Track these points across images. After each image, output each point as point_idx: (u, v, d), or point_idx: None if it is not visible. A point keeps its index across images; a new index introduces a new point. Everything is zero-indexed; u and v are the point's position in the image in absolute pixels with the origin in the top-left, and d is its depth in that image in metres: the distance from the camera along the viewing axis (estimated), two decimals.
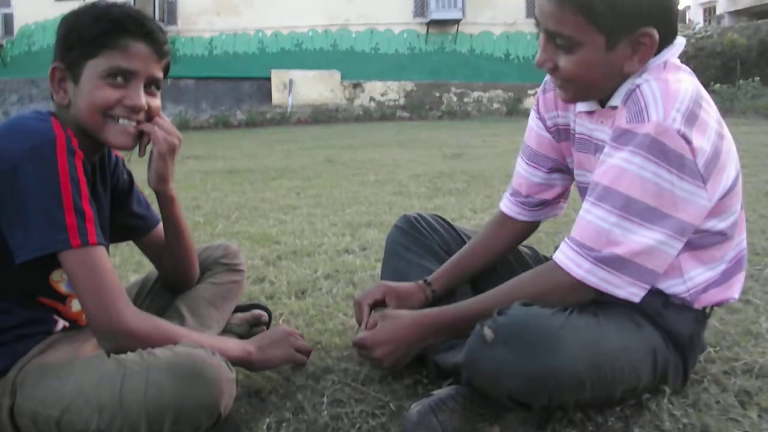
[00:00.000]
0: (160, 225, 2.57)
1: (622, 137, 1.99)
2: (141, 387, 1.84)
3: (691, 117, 1.94)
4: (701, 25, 37.09)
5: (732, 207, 2.15)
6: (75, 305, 2.20)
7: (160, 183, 2.33)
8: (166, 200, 2.40)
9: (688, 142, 1.92)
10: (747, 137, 13.11)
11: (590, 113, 2.30)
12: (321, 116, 25.19)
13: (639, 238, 1.96)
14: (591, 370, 1.93)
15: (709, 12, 44.64)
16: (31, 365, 2.01)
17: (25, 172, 1.88)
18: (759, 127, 15.91)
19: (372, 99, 27.47)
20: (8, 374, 1.99)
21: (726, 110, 22.82)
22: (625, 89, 2.10)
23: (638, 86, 2.02)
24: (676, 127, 1.91)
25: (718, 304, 2.29)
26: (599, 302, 2.08)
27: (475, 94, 27.57)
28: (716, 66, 29.15)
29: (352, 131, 19.92)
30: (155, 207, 2.53)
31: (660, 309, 2.16)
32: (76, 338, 2.17)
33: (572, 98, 2.23)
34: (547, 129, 2.55)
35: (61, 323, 2.19)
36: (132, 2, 25.08)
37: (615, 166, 1.99)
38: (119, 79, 2.09)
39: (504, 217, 2.74)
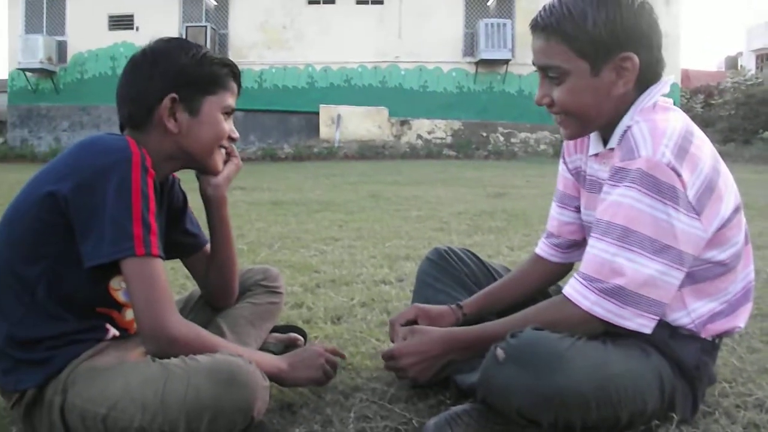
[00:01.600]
0: (208, 246, 2.74)
1: (617, 175, 2.13)
2: (182, 388, 1.98)
3: (681, 151, 2.07)
4: (753, 71, 36.88)
5: (733, 239, 2.25)
6: (129, 314, 2.34)
7: (226, 181, 2.58)
8: (220, 200, 2.61)
9: (678, 174, 2.04)
10: None
11: (597, 155, 2.45)
12: (368, 152, 25.17)
13: (640, 267, 2.06)
14: (596, 391, 2.02)
15: (761, 59, 44.25)
16: (81, 367, 2.15)
17: (102, 184, 2.05)
18: None
19: (419, 137, 27.45)
20: (60, 375, 2.13)
21: None
22: (620, 131, 2.25)
23: (629, 128, 2.17)
24: (665, 161, 2.04)
25: (725, 334, 2.38)
26: (609, 333, 2.17)
27: (523, 134, 27.50)
28: (766, 113, 28.88)
29: (398, 168, 19.91)
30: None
31: (667, 339, 2.26)
32: (125, 345, 2.31)
33: (572, 132, 2.39)
34: (570, 171, 2.69)
35: (112, 332, 2.33)
36: (184, 34, 25.52)
37: (613, 202, 2.12)
38: (227, 114, 2.41)
39: (538, 258, 2.85)
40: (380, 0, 27.89)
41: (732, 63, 44.67)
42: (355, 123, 26.66)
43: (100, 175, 2.06)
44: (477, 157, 25.43)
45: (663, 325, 2.25)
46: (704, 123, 28.02)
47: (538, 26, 2.27)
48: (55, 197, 2.09)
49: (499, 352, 2.05)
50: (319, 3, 28.17)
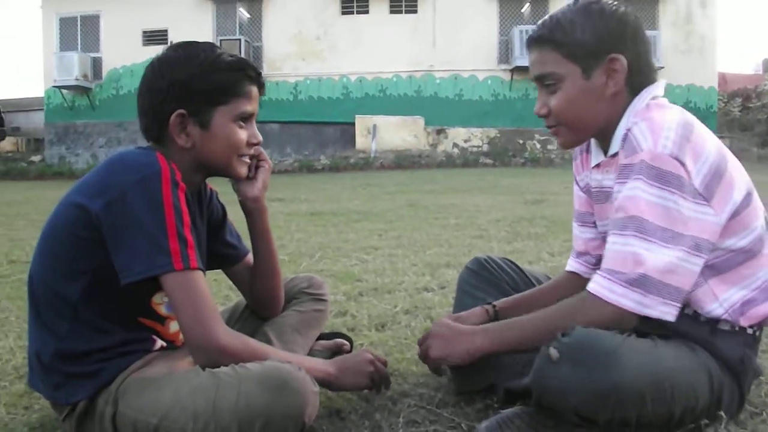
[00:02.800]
0: (249, 256, 2.76)
1: (623, 172, 2.19)
2: (233, 396, 2.00)
3: (682, 141, 2.12)
4: None
5: (751, 224, 2.27)
6: (173, 326, 2.39)
7: (263, 191, 2.57)
8: (261, 210, 2.61)
9: (682, 163, 2.10)
10: None
11: (598, 166, 2.54)
12: (404, 162, 25.11)
13: (661, 256, 2.09)
14: (651, 386, 2.03)
15: None
16: (131, 378, 2.18)
17: (133, 200, 2.06)
18: None
19: (455, 145, 27.41)
20: (111, 386, 2.17)
21: None
22: (619, 137, 2.33)
23: (629, 130, 2.23)
24: (668, 152, 2.10)
25: (765, 322, 2.37)
26: (654, 333, 2.20)
27: None
28: None
29: (435, 177, 19.89)
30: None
31: (708, 337, 2.28)
32: (173, 356, 2.35)
33: (567, 140, 2.48)
34: (581, 189, 2.77)
35: (159, 343, 2.37)
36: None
37: (624, 197, 2.16)
38: (244, 121, 2.35)
39: (570, 274, 2.88)
40: (414, 9, 27.89)
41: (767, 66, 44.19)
42: (390, 133, 26.67)
43: (130, 192, 2.07)
44: (514, 164, 25.35)
45: (703, 322, 2.30)
46: (742, 127, 27.87)
47: (532, 40, 2.42)
48: (87, 213, 2.11)
49: (553, 352, 2.05)
50: (352, 13, 28.23)
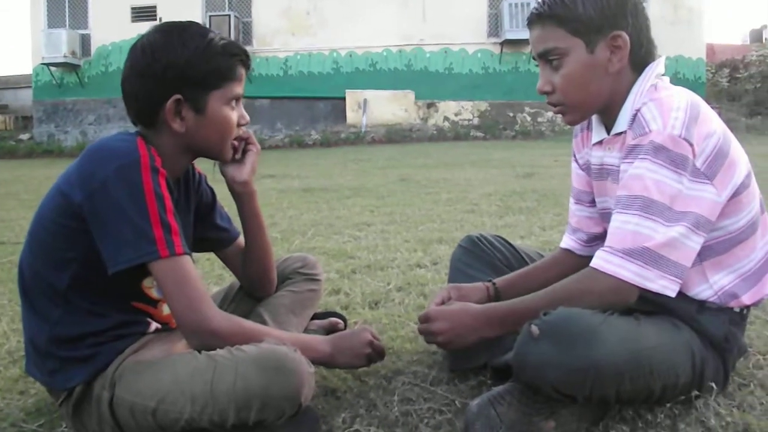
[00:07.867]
0: (241, 238, 2.77)
1: (631, 152, 2.23)
2: (230, 378, 2.02)
3: (690, 122, 2.16)
4: None
5: (747, 206, 2.33)
6: (165, 309, 2.39)
7: (252, 175, 2.57)
8: (250, 194, 2.61)
9: (690, 144, 2.14)
10: None
11: (600, 143, 2.55)
12: (395, 136, 25.04)
13: (662, 233, 2.13)
14: (629, 363, 2.07)
15: None
16: (127, 361, 2.20)
17: (113, 189, 2.06)
18: None
19: (446, 119, 27.30)
20: (107, 370, 2.18)
21: None
22: (626, 116, 2.36)
23: (638, 110, 2.27)
24: (676, 132, 2.14)
25: (754, 304, 2.42)
26: (639, 310, 2.24)
27: (549, 114, 27.16)
28: None
29: (426, 151, 19.82)
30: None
31: (694, 314, 2.33)
32: (168, 338, 2.36)
33: (573, 118, 2.50)
34: (581, 167, 2.79)
35: (154, 325, 2.39)
36: (208, 23, 25.47)
37: (630, 175, 2.20)
38: (235, 103, 2.35)
39: (565, 251, 2.91)
40: None
41: (757, 36, 44.03)
42: (381, 107, 26.56)
43: (110, 181, 2.06)
44: (504, 137, 25.29)
45: (690, 300, 2.34)
46: (730, 97, 27.86)
47: (533, 17, 2.42)
48: (71, 203, 2.12)
49: (534, 329, 2.08)
50: None
